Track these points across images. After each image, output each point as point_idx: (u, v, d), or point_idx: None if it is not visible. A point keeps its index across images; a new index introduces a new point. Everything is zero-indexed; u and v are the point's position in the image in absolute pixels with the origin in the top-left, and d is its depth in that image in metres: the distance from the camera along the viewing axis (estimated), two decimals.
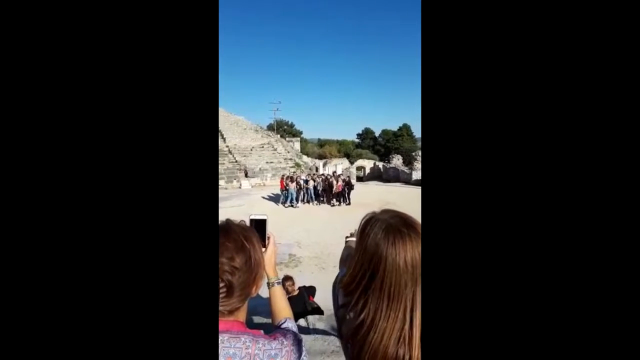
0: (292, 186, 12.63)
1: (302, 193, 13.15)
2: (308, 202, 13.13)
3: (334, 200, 12.83)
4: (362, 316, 0.60)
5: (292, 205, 12.41)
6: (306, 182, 13.38)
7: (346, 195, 12.75)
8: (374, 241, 0.60)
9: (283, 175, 13.84)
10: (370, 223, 0.63)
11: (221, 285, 0.61)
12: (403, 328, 0.58)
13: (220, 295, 0.61)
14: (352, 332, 0.61)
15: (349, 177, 14.85)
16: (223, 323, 0.61)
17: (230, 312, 0.62)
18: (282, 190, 12.82)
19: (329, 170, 18.24)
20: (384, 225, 0.61)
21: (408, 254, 0.58)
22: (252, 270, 0.64)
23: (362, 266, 0.61)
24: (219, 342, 0.59)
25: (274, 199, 13.59)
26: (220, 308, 0.61)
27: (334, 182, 12.98)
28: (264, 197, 14.38)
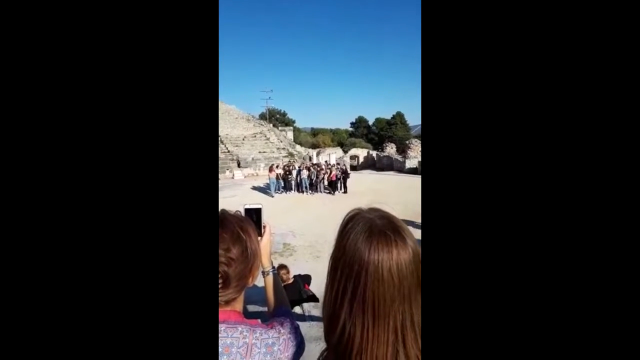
0: (272, 175, 12.98)
1: (291, 182, 13.36)
2: (302, 191, 13.19)
3: (325, 188, 13.00)
4: (348, 335, 0.52)
5: (280, 193, 12.80)
6: (299, 171, 13.47)
7: (341, 183, 12.92)
8: (354, 243, 0.52)
9: (280, 164, 14.11)
10: (353, 220, 0.55)
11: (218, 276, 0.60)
12: (397, 353, 0.50)
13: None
14: (345, 356, 0.52)
15: (345, 165, 14.96)
16: (220, 313, 0.61)
17: (227, 303, 0.62)
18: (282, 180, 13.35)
19: (322, 160, 18.25)
20: (367, 226, 0.52)
21: (393, 262, 0.50)
22: (249, 261, 0.64)
23: (343, 273, 0.52)
24: (218, 332, 0.59)
25: (268, 189, 13.61)
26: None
27: (328, 171, 13.16)
28: (260, 187, 14.36)
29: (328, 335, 0.55)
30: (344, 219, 0.57)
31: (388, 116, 44.99)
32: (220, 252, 0.60)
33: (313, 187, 13.30)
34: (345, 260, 0.52)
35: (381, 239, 0.51)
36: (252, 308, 3.03)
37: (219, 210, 0.69)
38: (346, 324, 0.51)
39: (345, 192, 12.73)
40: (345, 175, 13.13)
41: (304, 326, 2.42)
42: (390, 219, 0.54)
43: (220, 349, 0.58)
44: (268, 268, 0.84)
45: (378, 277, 0.50)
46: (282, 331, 0.65)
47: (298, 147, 25.46)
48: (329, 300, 0.55)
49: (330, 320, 0.54)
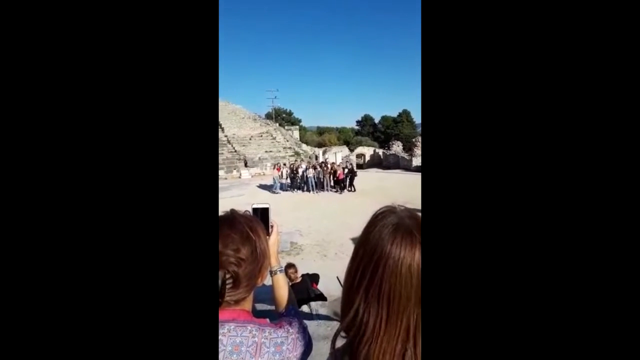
0: (276, 173, 13.68)
1: (297, 181, 13.62)
2: (308, 190, 13.23)
3: (332, 187, 13.05)
4: (360, 320, 0.53)
5: (276, 192, 13.31)
6: (305, 170, 13.55)
7: (347, 182, 12.94)
8: (379, 233, 0.53)
9: (290, 163, 14.45)
10: (383, 215, 0.56)
11: (227, 276, 0.61)
12: (405, 352, 0.51)
13: (227, 287, 0.61)
14: (355, 341, 0.53)
15: (352, 164, 14.99)
16: (229, 312, 0.61)
17: (237, 302, 0.63)
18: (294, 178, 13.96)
19: (328, 159, 18.28)
20: (395, 221, 0.54)
21: (414, 262, 0.51)
22: (258, 261, 0.64)
23: (363, 259, 0.54)
24: (226, 331, 0.59)
25: (274, 187, 13.69)
26: (227, 298, 0.61)
27: (332, 171, 13.28)
28: (267, 185, 14.45)
29: (342, 315, 0.57)
30: (376, 212, 0.58)
31: (394, 114, 44.77)
32: (230, 252, 0.61)
33: (319, 186, 13.33)
34: (367, 247, 0.53)
35: (406, 236, 0.52)
36: (260, 307, 3.04)
37: (229, 210, 0.70)
38: (359, 309, 0.53)
39: (353, 190, 12.75)
40: (352, 174, 13.15)
41: (312, 325, 2.43)
42: (419, 221, 0.55)
43: (230, 348, 0.58)
44: (276, 267, 0.84)
45: (397, 272, 0.50)
46: (290, 330, 0.65)
47: (304, 146, 25.49)
48: (346, 282, 0.57)
49: (346, 301, 0.56)
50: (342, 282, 0.59)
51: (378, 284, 0.51)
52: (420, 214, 0.57)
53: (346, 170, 13.26)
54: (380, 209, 0.58)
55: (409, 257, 0.51)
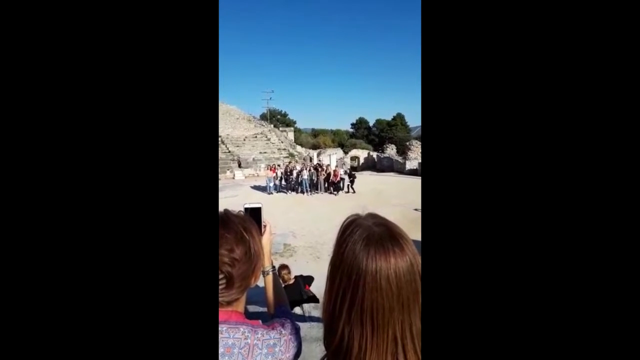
0: (271, 174, 13.83)
1: (292, 182, 13.73)
2: (303, 192, 13.23)
3: (326, 189, 13.08)
4: (347, 344, 0.51)
5: (278, 192, 13.50)
6: (300, 171, 13.58)
7: (344, 183, 13.05)
8: (352, 252, 0.51)
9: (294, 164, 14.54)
10: (350, 227, 0.54)
11: (221, 277, 0.60)
12: None
13: (220, 287, 0.60)
14: None
15: (353, 167, 15.16)
16: (222, 313, 0.61)
17: (229, 303, 0.62)
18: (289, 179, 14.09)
19: (324, 161, 18.35)
20: (365, 234, 0.52)
21: (391, 271, 0.50)
22: (252, 262, 0.64)
23: (342, 281, 0.52)
24: (218, 332, 0.59)
25: (267, 187, 13.68)
26: (220, 299, 0.60)
27: (325, 173, 13.33)
28: (261, 187, 14.40)
29: (327, 341, 0.55)
30: (342, 225, 0.56)
31: (388, 117, 44.99)
32: (224, 252, 0.60)
33: (313, 187, 13.36)
34: (343, 269, 0.52)
35: (379, 248, 0.51)
36: (252, 308, 3.02)
37: (222, 210, 0.69)
38: (345, 332, 0.51)
39: (353, 192, 12.87)
40: (352, 176, 13.26)
41: (304, 327, 2.42)
42: (388, 226, 0.54)
43: (221, 350, 0.58)
44: (268, 267, 0.83)
45: (376, 287, 0.50)
46: (283, 332, 0.65)
47: (299, 147, 25.51)
48: (327, 308, 0.55)
49: (329, 327, 0.54)
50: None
51: (360, 302, 0.50)
52: (385, 217, 0.56)
53: (342, 172, 13.38)
54: (345, 221, 0.57)
55: (385, 268, 0.50)
